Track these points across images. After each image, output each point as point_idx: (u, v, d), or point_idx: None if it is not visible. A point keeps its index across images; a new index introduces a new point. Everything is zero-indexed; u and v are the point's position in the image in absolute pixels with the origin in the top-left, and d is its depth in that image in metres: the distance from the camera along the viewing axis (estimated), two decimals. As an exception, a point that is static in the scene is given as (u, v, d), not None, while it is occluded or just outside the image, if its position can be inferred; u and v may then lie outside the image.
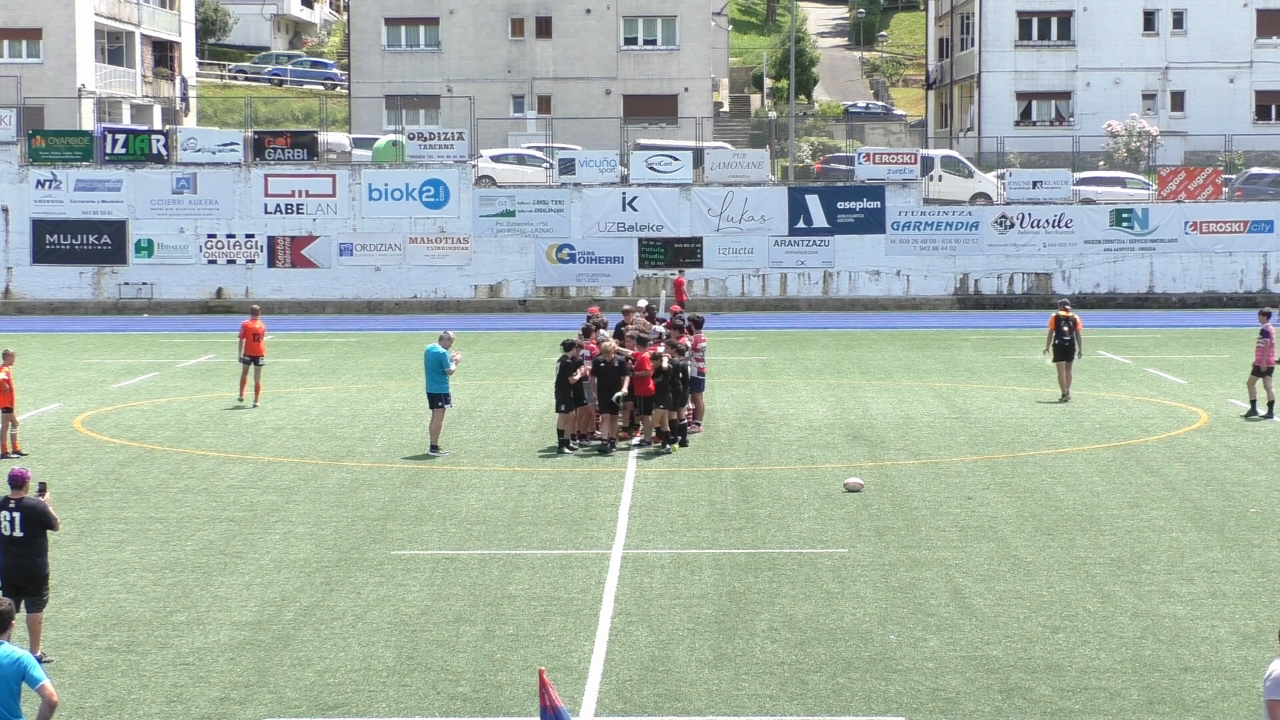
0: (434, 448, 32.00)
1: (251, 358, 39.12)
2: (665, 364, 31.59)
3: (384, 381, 43.61)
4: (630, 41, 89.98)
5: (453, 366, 31.88)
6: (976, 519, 25.64)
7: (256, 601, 20.74)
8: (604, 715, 16.49)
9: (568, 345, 32.42)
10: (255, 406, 38.79)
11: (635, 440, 32.66)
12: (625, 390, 31.69)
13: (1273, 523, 25.35)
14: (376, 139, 73.36)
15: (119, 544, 24.07)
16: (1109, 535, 24.42)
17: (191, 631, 19.38)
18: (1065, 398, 39.10)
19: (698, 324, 35.92)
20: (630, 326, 34.62)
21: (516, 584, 21.58)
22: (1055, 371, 39.90)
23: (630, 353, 32.35)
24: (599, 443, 32.18)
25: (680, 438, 32.22)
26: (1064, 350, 39.23)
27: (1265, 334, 36.36)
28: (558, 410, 32.28)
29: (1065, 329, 39.19)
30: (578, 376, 31.65)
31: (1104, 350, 51.15)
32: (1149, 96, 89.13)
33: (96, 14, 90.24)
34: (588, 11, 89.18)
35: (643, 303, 45.34)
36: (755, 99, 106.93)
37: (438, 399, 31.99)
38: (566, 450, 31.79)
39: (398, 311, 67.37)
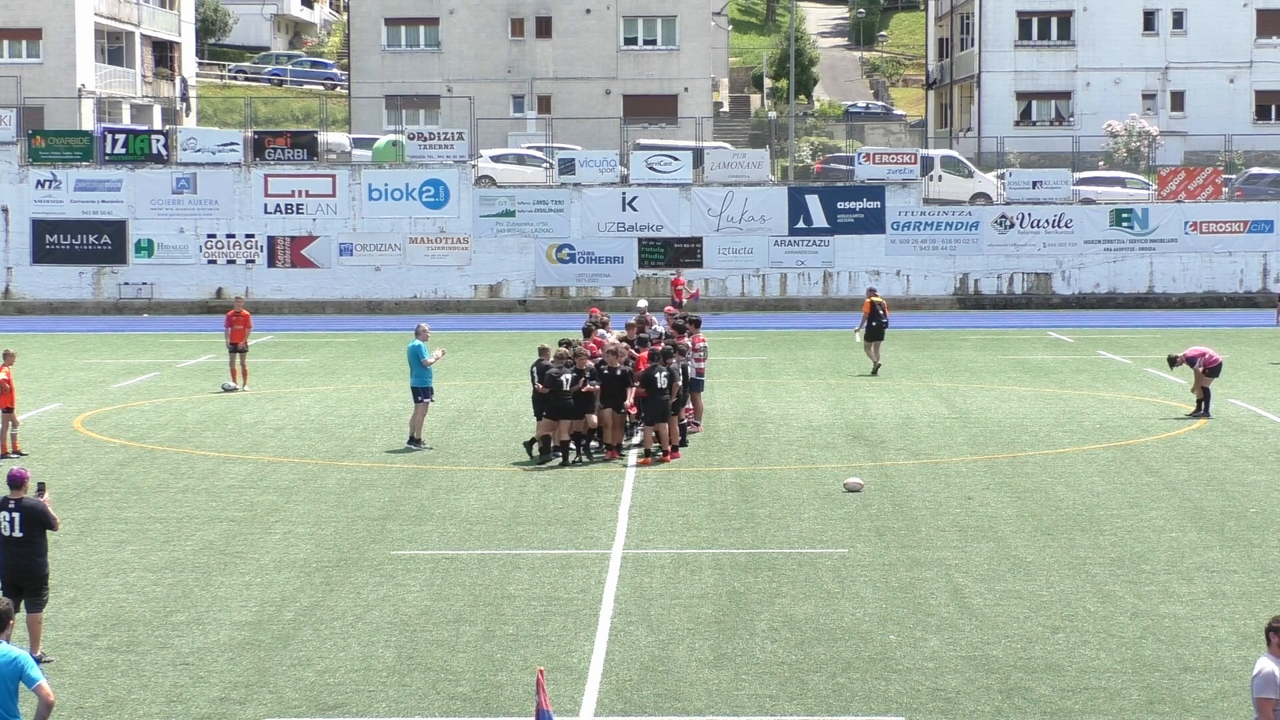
0: (415, 440, 32.35)
1: (234, 345, 42.06)
2: (661, 382, 30.85)
3: (384, 381, 43.61)
4: (630, 41, 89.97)
5: (430, 359, 32.41)
6: (976, 519, 25.63)
7: (256, 601, 20.74)
8: (604, 715, 16.49)
9: (565, 344, 32.20)
10: (244, 389, 41.29)
11: (635, 440, 32.56)
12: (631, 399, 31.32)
13: (1273, 523, 25.35)
14: (376, 139, 73.36)
15: (119, 544, 24.07)
16: (1109, 535, 24.42)
17: (191, 631, 19.38)
18: (875, 371, 44.51)
19: (696, 324, 35.86)
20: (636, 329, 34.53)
21: (516, 584, 21.58)
22: (865, 349, 45.23)
23: (634, 354, 32.16)
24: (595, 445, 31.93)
25: (680, 438, 32.05)
26: (878, 331, 44.82)
27: None
28: (538, 417, 31.00)
29: (880, 313, 44.85)
30: (578, 388, 30.62)
31: (1104, 350, 51.16)
32: (1149, 96, 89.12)
33: (96, 14, 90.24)
34: (588, 11, 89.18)
35: (642, 303, 45.40)
36: (755, 99, 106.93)
37: (419, 393, 32.54)
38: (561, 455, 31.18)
39: (398, 311, 67.37)
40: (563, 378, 30.47)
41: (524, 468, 30.33)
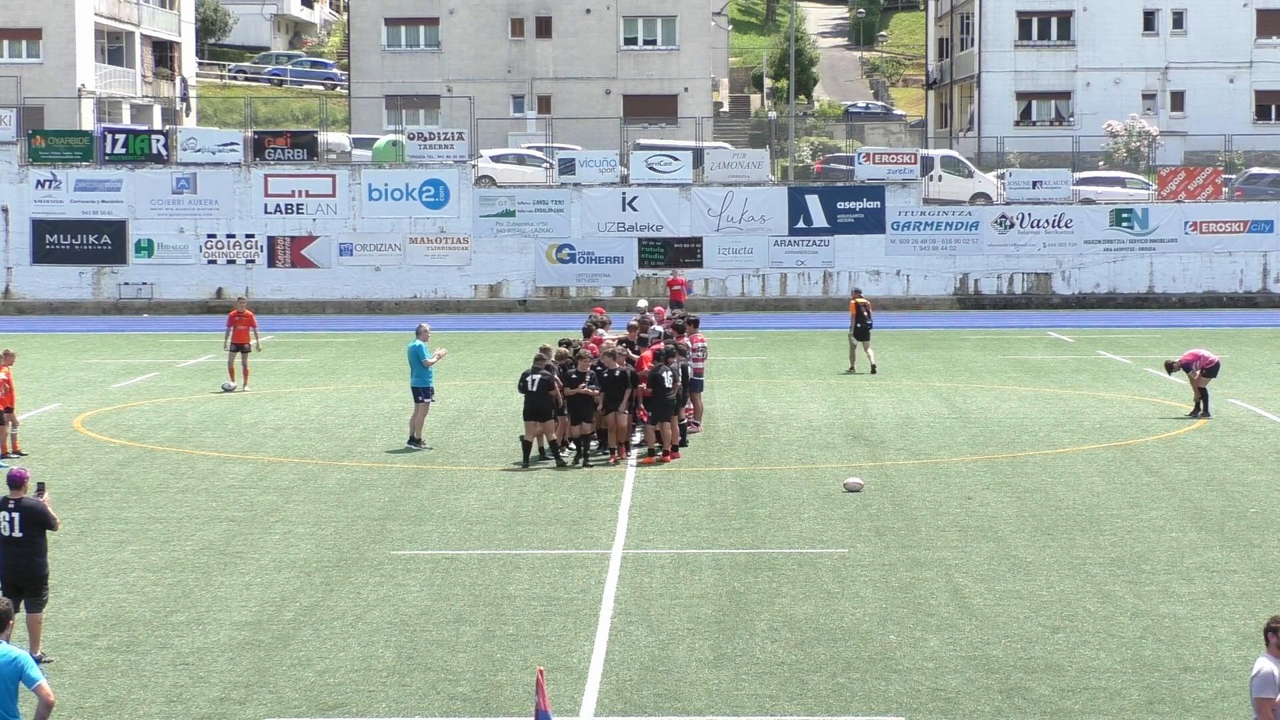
0: (415, 440, 32.38)
1: (239, 345, 41.89)
2: (669, 381, 30.73)
3: (384, 381, 43.61)
4: (630, 41, 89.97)
5: (431, 358, 32.40)
6: (976, 519, 25.64)
7: (256, 601, 20.74)
8: (604, 715, 16.50)
9: (565, 344, 32.13)
10: (245, 389, 41.32)
11: (636, 440, 32.49)
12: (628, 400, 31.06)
13: (1273, 523, 25.35)
14: (376, 139, 73.35)
15: (119, 544, 24.07)
16: (1109, 535, 24.43)
17: (191, 631, 19.38)
18: (873, 370, 44.84)
19: (694, 324, 35.83)
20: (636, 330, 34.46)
21: (516, 584, 21.58)
22: (851, 348, 46.01)
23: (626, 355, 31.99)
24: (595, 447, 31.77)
25: (680, 438, 31.97)
26: (864, 332, 45.44)
27: None
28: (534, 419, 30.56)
29: (865, 313, 45.48)
30: (576, 391, 30.26)
31: (1104, 350, 51.16)
32: (1149, 96, 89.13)
33: (96, 14, 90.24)
34: (588, 11, 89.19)
35: (642, 303, 45.38)
36: (755, 99, 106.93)
37: (419, 393, 32.59)
38: (558, 456, 30.77)
39: (398, 311, 67.36)
40: (527, 379, 30.43)
41: (524, 467, 30.27)
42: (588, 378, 30.61)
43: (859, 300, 45.90)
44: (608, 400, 30.81)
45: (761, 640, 18.91)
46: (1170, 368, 37.18)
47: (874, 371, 44.80)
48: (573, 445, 31.10)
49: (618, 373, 30.85)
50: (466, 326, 60.80)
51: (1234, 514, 25.99)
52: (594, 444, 31.45)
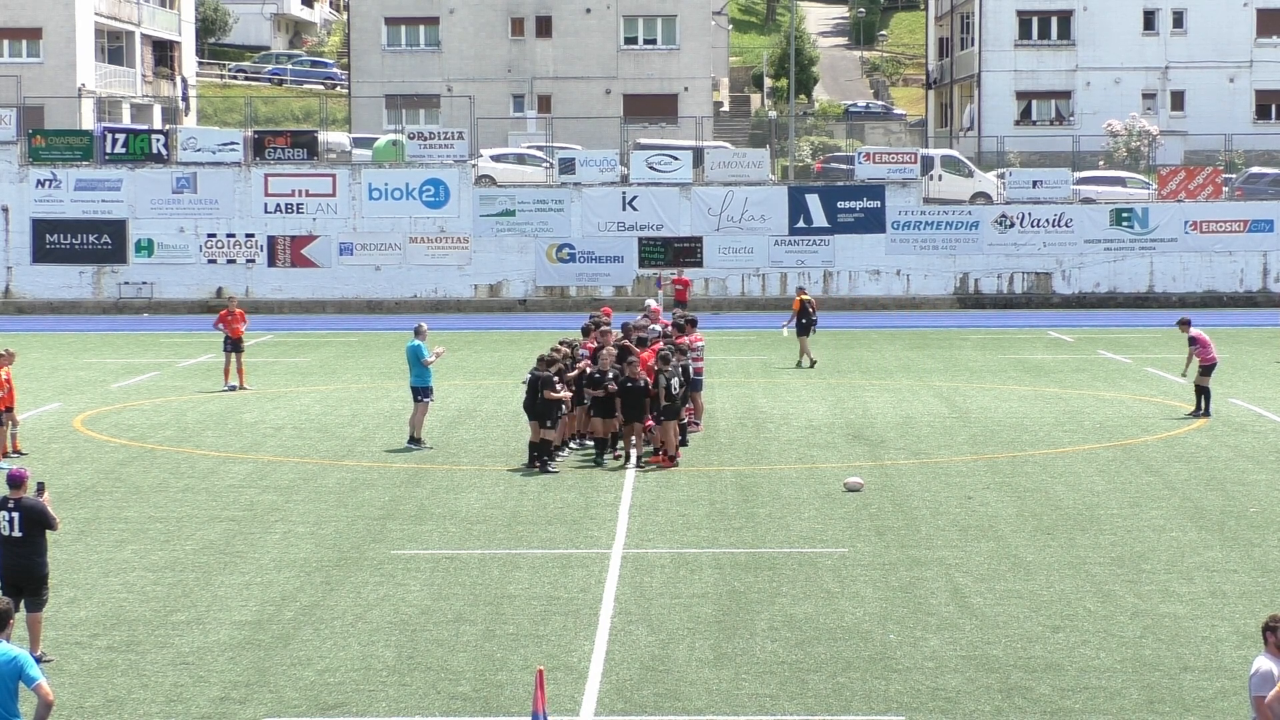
0: (415, 440, 32.37)
1: (236, 342, 41.89)
2: (668, 384, 30.47)
3: (384, 381, 43.61)
4: (630, 41, 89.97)
5: (430, 357, 32.37)
6: (976, 519, 25.64)
7: (256, 601, 20.74)
8: (604, 715, 16.50)
9: (564, 344, 32.04)
10: (244, 388, 41.33)
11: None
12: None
13: (1273, 522, 25.36)
14: (376, 139, 73.35)
15: (119, 544, 24.07)
16: (1109, 535, 24.43)
17: (191, 631, 19.38)
18: (812, 364, 46.09)
19: (692, 323, 35.77)
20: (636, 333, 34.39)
21: (516, 584, 21.59)
22: (799, 345, 47.05)
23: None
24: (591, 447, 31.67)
25: (680, 437, 31.90)
26: (807, 327, 46.77)
27: None
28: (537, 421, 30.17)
29: (809, 309, 46.88)
30: (558, 395, 29.89)
31: (1104, 350, 51.16)
32: (1149, 96, 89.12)
33: (96, 14, 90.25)
34: (588, 11, 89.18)
35: (649, 302, 45.41)
36: (755, 98, 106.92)
37: (418, 392, 32.58)
38: (556, 460, 30.34)
39: (398, 311, 67.34)
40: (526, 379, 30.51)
41: (524, 467, 30.24)
42: (568, 381, 30.42)
43: (803, 297, 47.28)
44: (602, 404, 30.52)
45: (761, 640, 18.91)
46: (1184, 324, 37.46)
47: (812, 366, 46.01)
48: (572, 447, 31.09)
49: (609, 375, 30.62)
50: (466, 326, 60.79)
51: (1234, 513, 25.99)
52: (569, 448, 31.34)
